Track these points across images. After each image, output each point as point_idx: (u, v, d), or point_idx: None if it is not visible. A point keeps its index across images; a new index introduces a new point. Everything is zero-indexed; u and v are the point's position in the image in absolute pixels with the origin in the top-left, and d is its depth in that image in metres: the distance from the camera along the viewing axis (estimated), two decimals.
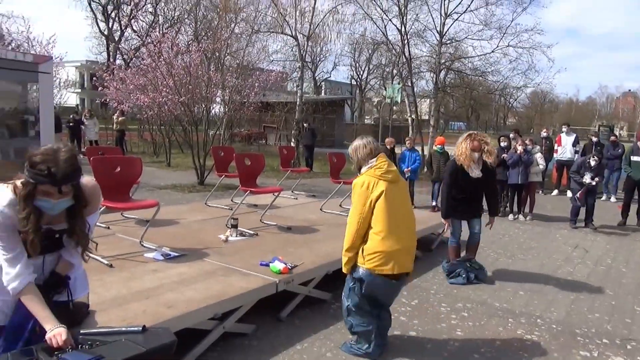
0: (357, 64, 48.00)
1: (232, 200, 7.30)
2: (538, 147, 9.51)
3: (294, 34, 17.09)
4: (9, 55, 6.53)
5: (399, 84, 20.47)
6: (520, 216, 9.14)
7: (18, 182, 1.98)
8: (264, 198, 6.91)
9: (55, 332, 1.92)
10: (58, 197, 1.96)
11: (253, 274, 3.91)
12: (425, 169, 12.01)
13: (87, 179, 2.16)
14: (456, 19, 17.52)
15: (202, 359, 3.23)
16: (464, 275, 5.14)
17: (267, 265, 4.08)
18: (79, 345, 1.89)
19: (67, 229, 2.11)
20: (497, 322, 4.19)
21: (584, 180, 8.06)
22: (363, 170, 3.27)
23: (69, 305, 2.17)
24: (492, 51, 17.76)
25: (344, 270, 3.34)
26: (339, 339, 3.63)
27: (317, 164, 16.11)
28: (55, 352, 1.84)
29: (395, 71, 26.43)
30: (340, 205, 7.25)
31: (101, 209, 2.61)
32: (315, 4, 17.08)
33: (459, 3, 17.18)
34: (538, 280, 5.38)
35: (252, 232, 5.33)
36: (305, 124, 16.42)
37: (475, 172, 5.01)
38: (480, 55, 18.21)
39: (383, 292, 3.27)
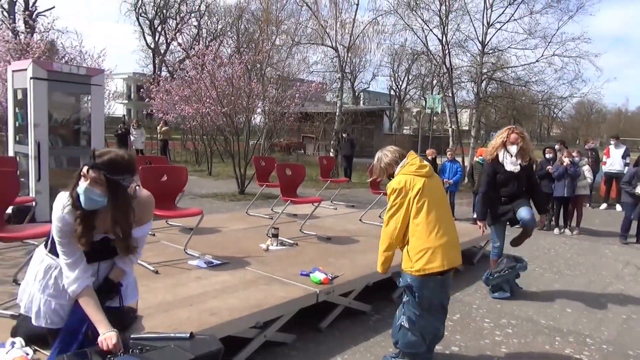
0: (396, 75, 47.82)
1: (272, 210, 7.38)
2: (585, 160, 9.20)
3: (334, 45, 17.23)
4: (65, 69, 6.86)
5: (438, 94, 20.26)
6: (567, 230, 8.83)
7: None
8: (304, 208, 6.96)
9: (107, 336, 1.99)
10: (90, 183, 2.00)
11: (294, 283, 3.94)
12: (466, 180, 11.81)
13: (144, 190, 2.24)
14: (499, 29, 17.24)
15: None
16: (507, 289, 4.99)
17: (308, 275, 4.09)
18: (130, 350, 1.96)
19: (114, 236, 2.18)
20: (544, 340, 4.05)
21: (636, 191, 7.73)
22: (396, 172, 3.20)
23: (119, 311, 2.25)
24: (537, 60, 17.37)
25: (380, 269, 3.26)
26: (380, 353, 3.60)
27: (356, 174, 16.09)
28: (108, 356, 1.92)
29: (435, 81, 26.20)
30: (379, 217, 7.19)
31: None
32: (355, 15, 17.20)
33: (502, 12, 16.91)
34: (586, 298, 5.17)
35: (292, 241, 5.37)
36: (344, 134, 16.46)
37: (512, 166, 4.72)
38: (524, 64, 17.84)
39: (436, 293, 3.14)
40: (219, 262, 4.42)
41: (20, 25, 19.42)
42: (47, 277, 2.19)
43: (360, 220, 6.93)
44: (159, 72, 32.16)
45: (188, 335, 2.06)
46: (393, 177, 3.23)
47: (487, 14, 16.93)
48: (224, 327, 3.09)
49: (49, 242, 2.23)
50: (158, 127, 18.67)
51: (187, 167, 5.97)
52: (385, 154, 3.28)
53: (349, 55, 18.58)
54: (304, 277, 4.07)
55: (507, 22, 17.00)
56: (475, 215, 8.91)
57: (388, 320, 4.22)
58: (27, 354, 2.42)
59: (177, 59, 34.34)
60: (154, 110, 17.14)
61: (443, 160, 9.82)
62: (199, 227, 4.99)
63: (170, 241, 5.06)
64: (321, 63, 20.94)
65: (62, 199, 2.08)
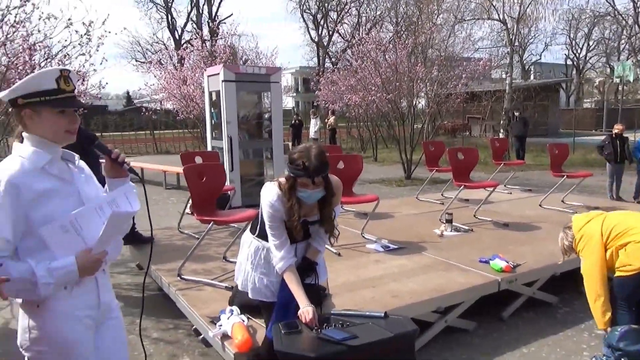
0: (574, 42, 42.72)
1: (442, 195, 7.29)
2: None
3: (502, 17, 16.10)
4: (249, 70, 7.65)
5: (628, 59, 17.62)
6: None
7: (282, 179, 2.37)
8: (476, 192, 6.72)
9: (304, 310, 2.24)
10: (312, 187, 2.28)
11: (473, 270, 3.88)
12: None
13: (333, 176, 2.45)
14: None
15: (424, 350, 3.34)
16: None
17: (487, 262, 3.99)
18: (333, 324, 2.17)
19: (319, 219, 2.43)
20: None
21: None
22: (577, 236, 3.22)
23: (315, 287, 2.50)
24: None
25: (602, 325, 3.05)
26: (572, 347, 3.37)
27: (530, 155, 14.91)
28: (315, 327, 2.15)
29: (624, 45, 22.82)
30: (562, 201, 6.63)
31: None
32: None
33: None
34: None
35: (466, 227, 5.26)
36: (515, 113, 15.36)
37: None
38: None
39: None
40: (395, 246, 4.55)
41: (206, 34, 22.03)
42: (257, 258, 2.53)
43: (540, 205, 6.45)
44: (322, 64, 33.75)
45: (382, 314, 2.20)
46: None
47: None
48: (406, 309, 3.18)
49: (258, 227, 2.54)
50: (327, 119, 19.53)
51: (353, 153, 6.24)
52: (565, 233, 3.34)
53: (519, 26, 17.19)
54: (483, 264, 3.98)
55: None
56: None
57: (579, 314, 3.91)
58: (243, 320, 2.83)
59: (339, 50, 35.59)
60: (320, 101, 18.06)
61: (638, 136, 8.57)
62: (373, 212, 5.20)
63: (347, 225, 5.34)
64: (487, 38, 19.80)
65: (272, 190, 2.37)
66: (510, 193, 7.68)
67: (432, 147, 7.33)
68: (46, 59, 4.46)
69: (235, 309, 2.93)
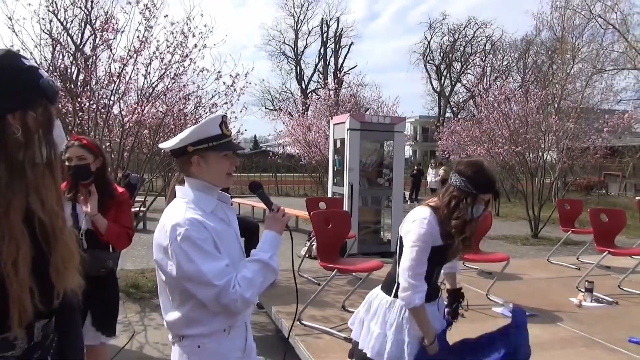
0: None
1: (577, 259, 6.60)
2: None
3: None
4: (373, 119, 7.81)
5: None
6: None
7: (432, 202, 2.26)
8: (618, 260, 5.98)
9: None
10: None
11: (622, 351, 3.40)
12: None
13: None
14: None
15: None
16: None
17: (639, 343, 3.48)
18: None
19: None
20: None
21: None
22: None
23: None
24: None
25: None
26: None
27: None
28: None
29: None
30: None
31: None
32: None
33: None
34: None
35: (610, 299, 4.67)
36: None
37: None
38: None
39: None
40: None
41: (330, 83, 23.06)
42: (412, 323, 2.26)
43: None
44: (443, 114, 33.40)
45: None
46: None
47: None
48: None
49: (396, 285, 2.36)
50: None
51: None
52: None
53: None
54: (635, 346, 3.47)
55: None
56: None
57: None
58: None
59: (461, 100, 35.03)
60: (439, 151, 17.67)
61: None
62: (497, 272, 4.85)
63: (470, 284, 5.03)
64: (630, 89, 18.11)
65: (426, 210, 2.22)
66: None
67: (568, 206, 6.71)
68: (196, 107, 4.99)
69: None
